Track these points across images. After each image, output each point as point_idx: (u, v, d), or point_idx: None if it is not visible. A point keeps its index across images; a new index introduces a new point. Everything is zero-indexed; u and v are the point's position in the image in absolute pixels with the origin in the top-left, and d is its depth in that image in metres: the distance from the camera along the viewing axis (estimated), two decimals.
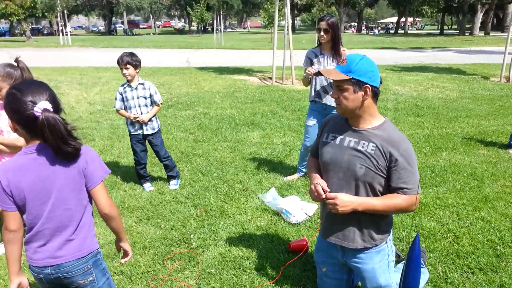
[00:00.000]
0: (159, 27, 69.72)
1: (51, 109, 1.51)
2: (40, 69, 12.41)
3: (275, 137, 5.90)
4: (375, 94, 2.02)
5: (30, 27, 40.94)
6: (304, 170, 4.36)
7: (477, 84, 10.75)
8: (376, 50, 23.81)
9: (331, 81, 3.03)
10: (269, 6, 29.41)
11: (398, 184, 2.00)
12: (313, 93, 4.02)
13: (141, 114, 3.88)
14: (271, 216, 3.47)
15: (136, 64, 3.77)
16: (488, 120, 6.87)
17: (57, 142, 1.53)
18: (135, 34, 55.43)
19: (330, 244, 2.27)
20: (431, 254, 2.85)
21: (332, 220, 2.20)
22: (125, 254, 1.92)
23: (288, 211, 3.38)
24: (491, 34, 42.27)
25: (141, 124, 3.93)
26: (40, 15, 41.80)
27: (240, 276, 2.64)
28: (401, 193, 2.01)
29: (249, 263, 2.77)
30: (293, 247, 2.90)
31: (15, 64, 2.65)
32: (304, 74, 3.98)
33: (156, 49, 24.29)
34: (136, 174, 4.17)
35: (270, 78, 11.58)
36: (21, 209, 1.62)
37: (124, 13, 68.26)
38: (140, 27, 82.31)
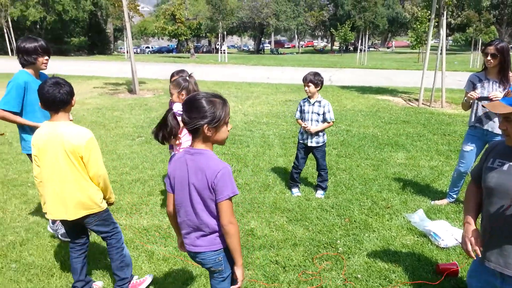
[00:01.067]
0: (302, 46, 72.41)
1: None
2: (203, 82, 14.26)
3: (421, 160, 5.74)
4: None
5: (194, 45, 46.89)
6: (455, 196, 4.20)
7: None
8: None
9: None
10: (418, 26, 28.04)
11: None
12: (473, 118, 3.87)
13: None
14: (418, 237, 3.47)
15: (317, 83, 4.18)
16: None
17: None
18: (280, 53, 58.61)
19: (487, 269, 2.24)
20: None
21: (494, 244, 2.17)
22: (235, 279, 1.96)
23: (437, 234, 3.34)
24: None
25: (309, 136, 4.32)
26: (203, 35, 47.55)
27: (386, 285, 2.75)
28: None
29: (395, 277, 2.86)
30: (442, 269, 2.88)
31: (187, 78, 3.41)
32: (465, 98, 3.86)
33: (300, 67, 25.36)
34: (290, 177, 4.58)
35: (416, 99, 11.11)
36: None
37: (272, 34, 72.74)
38: (285, 46, 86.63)
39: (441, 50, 10.26)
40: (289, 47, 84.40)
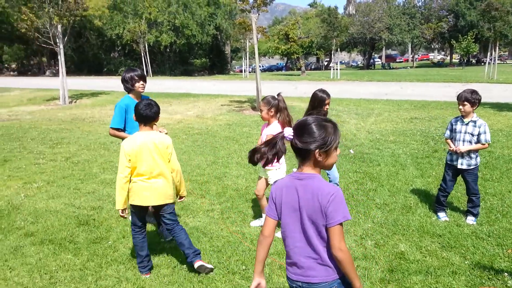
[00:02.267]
0: (416, 60, 68.42)
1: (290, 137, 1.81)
2: None
3: None
4: None
5: (306, 63, 47.83)
6: None
7: None
8: None
9: None
10: None
11: None
12: None
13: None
14: None
15: (474, 102, 3.96)
16: None
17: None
18: (393, 68, 56.19)
19: None
20: None
21: None
22: None
23: None
24: None
25: (459, 157, 4.12)
26: (314, 52, 48.17)
27: None
28: None
29: None
30: None
31: (276, 96, 3.86)
32: None
33: (418, 82, 24.02)
34: (436, 200, 4.40)
35: None
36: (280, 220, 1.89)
37: (384, 48, 70.27)
38: (397, 60, 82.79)
39: None
40: (402, 61, 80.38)
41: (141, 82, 4.02)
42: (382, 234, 3.90)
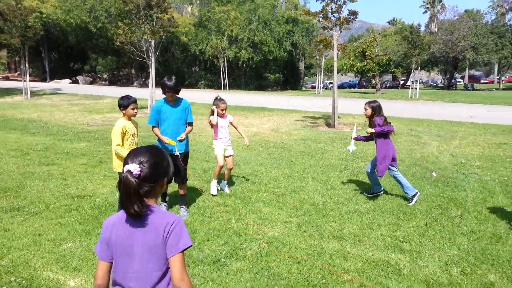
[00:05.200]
0: (503, 82, 63.14)
1: (136, 173, 1.65)
2: (398, 119, 13.98)
3: None
4: None
5: (381, 81, 46.56)
6: None
7: None
8: None
9: None
10: None
11: None
12: None
13: None
14: None
15: None
16: None
17: (125, 201, 1.66)
18: (476, 89, 52.48)
19: None
20: None
21: None
22: None
23: None
24: None
25: None
26: (391, 70, 46.74)
27: None
28: None
29: None
30: None
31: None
32: None
33: (506, 105, 22.22)
34: None
35: None
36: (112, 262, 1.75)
37: (467, 68, 66.04)
38: (481, 82, 77.16)
39: None
40: (486, 83, 74.78)
41: (167, 92, 4.92)
42: (469, 262, 3.74)
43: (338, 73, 13.94)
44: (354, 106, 20.40)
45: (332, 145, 9.69)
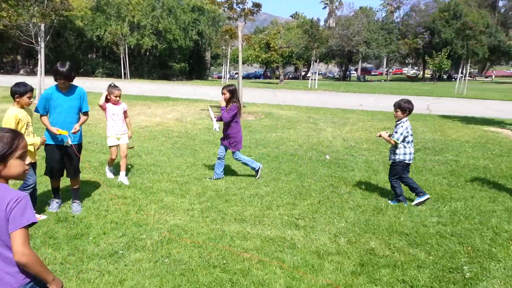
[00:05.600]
0: (390, 74, 70.36)
1: None
2: (298, 108, 14.79)
3: None
4: None
5: (284, 72, 48.48)
6: None
7: None
8: None
9: None
10: None
11: None
12: None
13: None
14: None
15: (405, 109, 4.91)
16: None
17: None
18: (367, 80, 57.64)
19: None
20: None
21: None
22: None
23: None
24: None
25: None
26: (293, 62, 48.91)
27: None
28: None
29: None
30: None
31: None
32: None
33: (391, 95, 24.81)
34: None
35: None
36: None
37: (360, 61, 72.00)
38: (372, 73, 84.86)
39: None
40: (376, 75, 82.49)
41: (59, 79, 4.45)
42: (354, 232, 4.14)
43: (243, 63, 14.14)
44: (259, 97, 21.00)
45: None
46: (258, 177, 5.98)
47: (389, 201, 5.08)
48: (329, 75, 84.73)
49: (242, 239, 3.95)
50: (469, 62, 31.65)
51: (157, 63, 41.13)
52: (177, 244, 3.86)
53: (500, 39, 55.01)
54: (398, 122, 4.98)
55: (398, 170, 5.00)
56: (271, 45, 35.29)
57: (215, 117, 6.06)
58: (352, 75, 71.66)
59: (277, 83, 38.28)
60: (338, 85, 37.62)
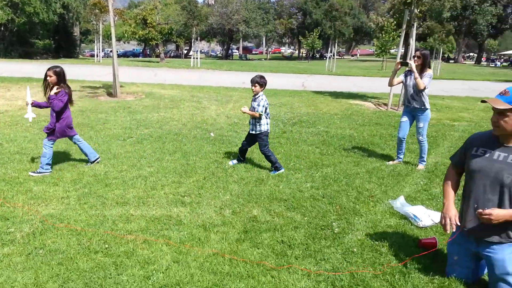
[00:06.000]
0: (269, 53, 73.54)
1: None
2: (181, 86, 14.54)
3: (396, 156, 6.34)
4: None
5: (165, 50, 46.76)
6: (401, 157, 6.02)
7: None
8: (499, 83, 22.25)
9: (413, 91, 5.53)
10: (383, 35, 29.47)
11: None
12: (404, 99, 5.84)
13: None
14: (399, 219, 3.99)
15: (262, 84, 5.33)
16: None
17: None
18: (249, 59, 59.34)
19: (465, 237, 2.77)
20: None
21: (473, 215, 2.69)
22: None
23: (417, 216, 3.88)
24: None
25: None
26: (174, 40, 47.47)
27: (378, 257, 3.23)
28: None
29: (385, 250, 3.35)
30: (423, 243, 3.39)
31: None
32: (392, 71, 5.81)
33: (272, 73, 26.01)
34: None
35: (385, 104, 11.90)
36: None
37: (241, 40, 73.48)
38: (253, 52, 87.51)
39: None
40: (257, 53, 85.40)
41: None
42: (238, 203, 4.32)
43: (119, 41, 13.22)
44: (138, 76, 20.03)
45: (115, 115, 9.33)
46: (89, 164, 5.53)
47: (270, 172, 5.40)
48: (212, 53, 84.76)
49: (125, 221, 3.82)
50: (337, 41, 34.69)
51: (15, 40, 35.93)
52: (52, 234, 3.56)
53: (362, 20, 61.47)
54: (256, 96, 5.37)
55: (265, 139, 5.47)
56: (148, 21, 33.65)
57: (31, 103, 5.15)
58: (234, 53, 72.88)
59: (157, 62, 36.92)
60: (221, 64, 37.92)
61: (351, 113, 10.45)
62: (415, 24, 11.20)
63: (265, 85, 5.41)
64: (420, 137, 5.76)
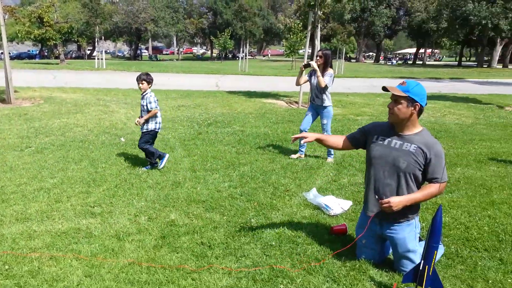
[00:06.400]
0: (181, 53, 72.34)
1: None
2: (85, 89, 13.60)
3: (308, 152, 6.66)
4: (420, 111, 2.77)
5: (65, 51, 43.31)
6: (303, 150, 6.28)
7: (492, 112, 11.39)
8: (395, 79, 24.59)
9: (316, 89, 5.80)
10: (291, 36, 30.75)
11: (432, 175, 2.73)
12: (310, 98, 6.18)
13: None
14: (313, 210, 4.20)
15: (149, 81, 5.32)
16: (500, 143, 7.52)
17: None
18: (159, 60, 57.72)
19: (371, 221, 3.00)
20: (446, 239, 3.53)
21: (373, 199, 2.94)
22: None
23: (328, 206, 4.11)
24: (509, 67, 42.70)
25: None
26: (75, 39, 44.23)
27: (295, 247, 3.36)
28: (434, 182, 2.74)
29: (301, 240, 3.49)
30: (335, 230, 3.61)
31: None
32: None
33: (185, 74, 25.64)
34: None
35: (296, 102, 12.43)
36: None
37: (150, 40, 71.21)
38: (164, 53, 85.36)
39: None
40: (168, 54, 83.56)
41: None
42: (154, 209, 4.18)
43: (12, 41, 11.89)
44: (35, 79, 18.36)
45: (10, 123, 8.42)
46: None
47: (143, 168, 5.49)
48: (119, 54, 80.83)
49: (28, 239, 3.47)
50: (248, 42, 35.38)
51: None
52: None
53: (271, 21, 63.41)
54: (144, 94, 5.34)
55: (148, 138, 5.48)
56: (45, 20, 30.88)
57: None
58: (143, 54, 70.34)
59: (57, 63, 34.11)
60: (130, 64, 36.32)
61: (265, 112, 10.73)
62: (319, 26, 11.86)
63: (152, 82, 5.38)
64: (325, 133, 6.12)
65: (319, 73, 5.76)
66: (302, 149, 6.34)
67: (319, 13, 11.64)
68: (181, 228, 3.73)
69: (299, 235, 3.59)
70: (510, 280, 2.90)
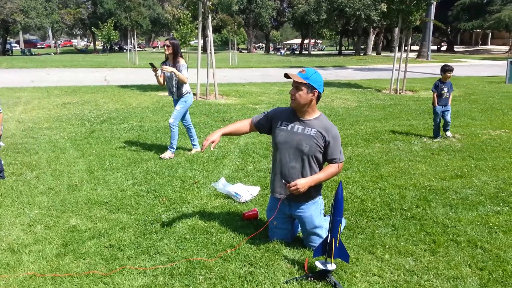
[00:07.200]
0: (59, 46, 65.92)
1: None
2: None
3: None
4: (319, 97, 2.98)
5: None
6: (196, 143, 6.18)
7: (372, 95, 12.74)
8: (285, 68, 25.86)
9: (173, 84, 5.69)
10: (181, 27, 30.02)
11: (331, 156, 2.98)
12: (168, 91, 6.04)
13: None
14: (224, 199, 4.25)
15: None
16: (381, 122, 8.46)
17: None
18: (34, 54, 51.87)
19: (278, 201, 3.15)
20: (346, 212, 3.89)
21: (279, 181, 3.09)
22: None
23: (238, 193, 4.20)
24: (382, 54, 48.03)
25: None
26: None
27: (210, 237, 3.37)
28: (334, 162, 2.98)
29: (215, 229, 3.51)
30: (247, 216, 3.71)
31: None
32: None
33: (65, 68, 23.48)
34: None
35: (194, 94, 12.31)
36: None
37: (20, 33, 63.55)
38: (38, 46, 76.87)
39: (210, 50, 11.70)
40: (44, 47, 75.62)
41: None
42: (51, 216, 3.81)
43: None
44: None
45: None
46: None
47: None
48: None
49: None
50: (136, 33, 33.73)
51: None
52: None
53: (158, 12, 61.18)
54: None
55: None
56: None
57: None
58: (14, 48, 62.40)
59: None
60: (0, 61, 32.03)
61: (162, 105, 10.42)
62: (210, 17, 11.86)
63: None
64: (186, 124, 6.17)
65: (177, 72, 5.55)
66: (195, 143, 6.19)
67: (208, 3, 11.62)
68: (85, 233, 3.46)
69: (212, 225, 3.61)
70: (402, 243, 3.31)
